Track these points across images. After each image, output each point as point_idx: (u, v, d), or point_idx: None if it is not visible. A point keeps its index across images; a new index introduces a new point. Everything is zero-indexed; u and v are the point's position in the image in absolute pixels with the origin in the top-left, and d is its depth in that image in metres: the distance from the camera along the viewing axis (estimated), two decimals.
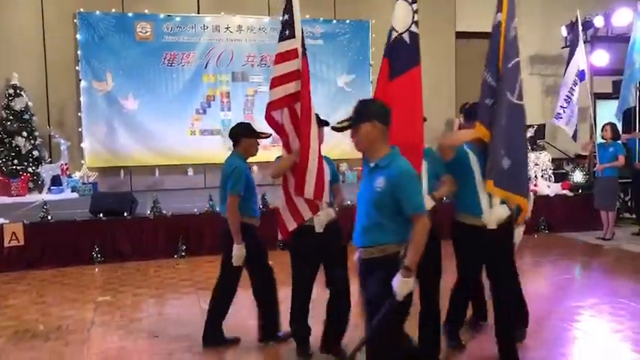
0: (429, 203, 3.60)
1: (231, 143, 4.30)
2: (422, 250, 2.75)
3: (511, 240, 3.87)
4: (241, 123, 4.46)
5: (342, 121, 2.99)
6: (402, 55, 3.66)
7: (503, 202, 3.71)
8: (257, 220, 4.30)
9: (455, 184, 3.77)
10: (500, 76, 3.65)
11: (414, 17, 3.70)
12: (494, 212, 3.70)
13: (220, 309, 4.28)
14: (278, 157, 4.07)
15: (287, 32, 3.93)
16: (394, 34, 3.70)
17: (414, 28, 3.69)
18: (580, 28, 9.07)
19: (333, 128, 3.56)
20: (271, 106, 3.98)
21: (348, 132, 2.95)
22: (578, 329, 4.61)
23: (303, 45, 3.91)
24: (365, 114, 2.87)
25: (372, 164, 2.91)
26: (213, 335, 4.28)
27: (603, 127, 8.22)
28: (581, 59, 8.94)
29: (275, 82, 3.95)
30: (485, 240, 3.71)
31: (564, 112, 9.02)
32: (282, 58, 3.95)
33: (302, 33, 3.93)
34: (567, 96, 9.00)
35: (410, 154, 3.32)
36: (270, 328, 4.32)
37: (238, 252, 4.07)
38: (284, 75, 3.92)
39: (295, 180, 3.82)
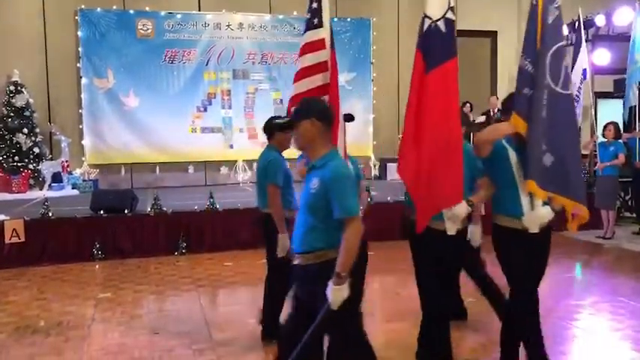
0: (463, 210, 3.34)
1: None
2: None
3: (549, 245, 3.43)
4: (274, 117, 4.40)
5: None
6: (436, 44, 3.21)
7: (545, 202, 3.27)
8: (295, 214, 4.25)
9: (492, 186, 3.40)
10: (539, 62, 3.17)
11: (450, 2, 3.18)
12: (535, 214, 3.23)
13: (275, 303, 4.24)
14: (301, 156, 3.91)
15: (315, 20, 3.68)
16: (427, 22, 3.22)
17: (450, 15, 3.19)
18: (582, 27, 9.06)
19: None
20: (294, 101, 3.70)
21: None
22: (578, 327, 4.61)
23: (331, 36, 3.65)
24: (304, 111, 2.76)
25: (310, 165, 2.80)
26: (272, 329, 4.23)
27: (606, 125, 8.18)
28: (583, 58, 8.95)
29: (299, 75, 3.69)
30: (525, 245, 3.26)
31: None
32: (308, 48, 3.67)
33: (330, 23, 3.65)
34: (576, 95, 8.97)
35: (448, 152, 3.18)
36: (272, 327, 4.31)
37: (283, 241, 3.95)
38: (310, 67, 3.65)
39: None
